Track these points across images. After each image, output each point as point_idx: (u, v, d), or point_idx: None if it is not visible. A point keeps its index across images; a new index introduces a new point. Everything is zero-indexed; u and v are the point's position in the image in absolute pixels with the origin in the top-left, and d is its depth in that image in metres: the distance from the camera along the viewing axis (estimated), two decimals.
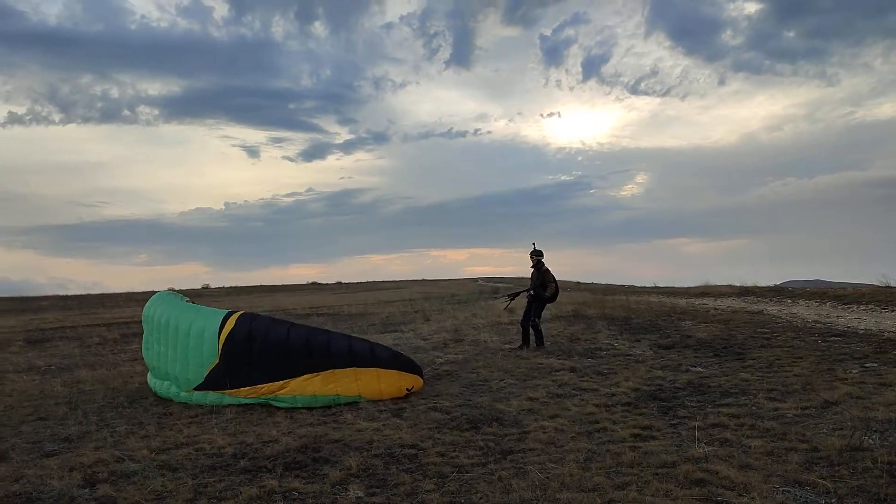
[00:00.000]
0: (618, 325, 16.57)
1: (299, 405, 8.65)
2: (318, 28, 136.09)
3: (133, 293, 74.82)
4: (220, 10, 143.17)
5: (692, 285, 37.91)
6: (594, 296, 33.03)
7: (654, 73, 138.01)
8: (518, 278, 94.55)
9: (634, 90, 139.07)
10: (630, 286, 53.58)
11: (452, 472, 5.49)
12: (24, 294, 69.00)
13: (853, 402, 7.20)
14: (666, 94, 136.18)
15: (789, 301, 22.95)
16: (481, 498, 4.82)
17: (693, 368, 9.98)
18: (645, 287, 48.63)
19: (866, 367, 9.34)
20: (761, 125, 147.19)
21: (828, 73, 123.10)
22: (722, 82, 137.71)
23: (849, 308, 19.22)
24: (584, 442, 6.21)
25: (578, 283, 71.08)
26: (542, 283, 13.08)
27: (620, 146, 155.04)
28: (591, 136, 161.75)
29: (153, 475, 5.81)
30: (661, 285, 47.84)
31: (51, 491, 5.44)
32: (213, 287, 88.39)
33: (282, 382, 8.79)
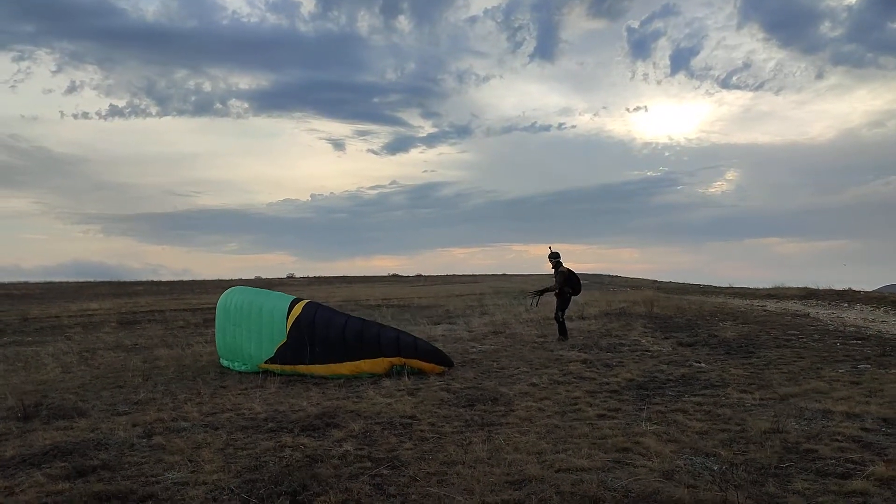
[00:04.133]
0: (656, 323, 17.26)
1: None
2: (403, 22, 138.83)
3: (221, 280, 79.17)
4: (308, 6, 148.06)
5: (770, 286, 37.52)
6: (658, 294, 33.33)
7: (746, 66, 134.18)
8: (600, 274, 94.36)
9: (725, 84, 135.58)
10: (707, 286, 53.02)
11: (433, 437, 6.66)
12: (120, 279, 74.25)
13: (815, 395, 7.94)
14: (759, 88, 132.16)
15: (846, 305, 22.89)
16: (445, 455, 5.97)
17: (696, 364, 10.76)
18: (720, 287, 48.14)
19: (858, 368, 9.92)
20: (862, 121, 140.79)
21: None
22: (820, 76, 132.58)
23: None
24: (556, 419, 7.25)
25: (655, 281, 70.63)
26: (564, 281, 14.08)
27: (710, 142, 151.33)
28: (679, 131, 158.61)
29: (198, 431, 7.23)
30: (739, 286, 47.29)
31: (116, 439, 6.92)
32: (297, 276, 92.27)
33: (337, 364, 10.46)
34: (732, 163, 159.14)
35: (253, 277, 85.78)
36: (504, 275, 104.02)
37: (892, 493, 4.66)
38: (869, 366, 10.11)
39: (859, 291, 27.93)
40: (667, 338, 14.28)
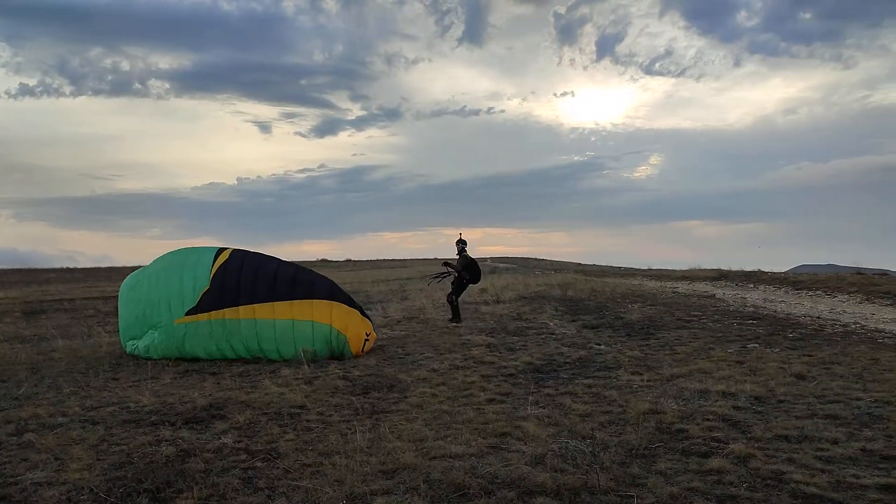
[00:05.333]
0: (567, 306, 17.56)
1: (277, 330, 10.14)
2: (330, 3, 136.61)
3: (141, 266, 76.67)
4: None
5: (689, 268, 38.69)
6: (577, 277, 33.98)
7: (668, 53, 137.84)
8: (529, 258, 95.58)
9: (649, 70, 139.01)
10: (628, 268, 54.41)
11: (318, 427, 6.56)
12: (33, 266, 70.83)
13: (699, 376, 8.20)
14: (681, 74, 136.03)
15: (752, 286, 23.84)
16: (325, 445, 5.88)
17: (596, 346, 10.99)
18: (640, 269, 49.49)
19: (746, 348, 10.32)
20: (777, 108, 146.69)
21: (844, 55, 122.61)
22: (737, 64, 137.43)
23: (798, 293, 20.11)
24: (446, 405, 7.25)
25: (580, 264, 72.06)
26: (465, 267, 14.33)
27: (634, 127, 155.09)
28: (605, 116, 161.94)
29: (74, 427, 6.92)
30: (658, 268, 48.71)
31: None
32: None
33: (268, 304, 10.20)
34: (656, 148, 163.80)
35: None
36: (435, 259, 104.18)
37: (746, 471, 4.82)
38: (757, 345, 10.52)
39: (767, 272, 29.11)
40: (574, 320, 14.54)
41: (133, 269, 63.79)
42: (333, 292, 10.48)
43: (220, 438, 6.20)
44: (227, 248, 11.09)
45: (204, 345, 10.58)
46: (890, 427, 5.78)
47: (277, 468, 5.32)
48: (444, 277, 15.89)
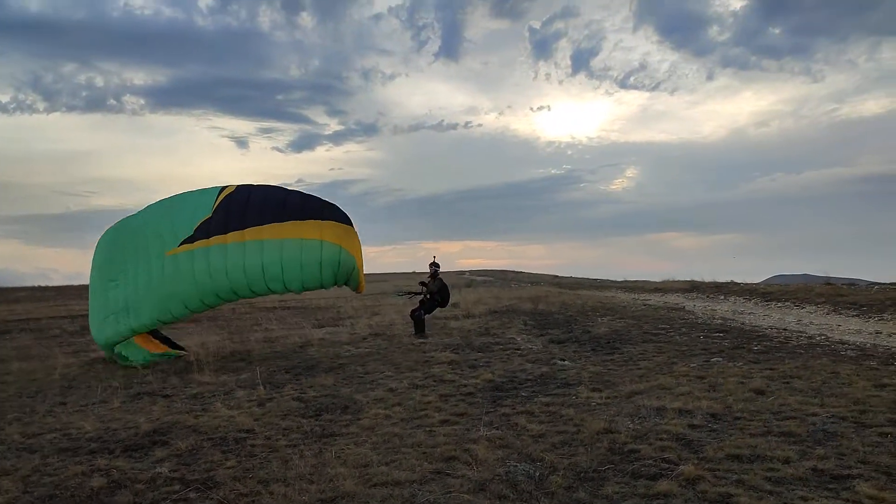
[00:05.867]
0: (537, 320, 17.42)
1: (284, 252, 9.58)
2: (306, 18, 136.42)
3: None
4: None
5: (663, 280, 38.75)
6: (549, 290, 33.91)
7: (642, 67, 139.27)
8: (507, 270, 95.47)
9: (623, 84, 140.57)
10: (604, 280, 54.45)
11: (262, 452, 6.33)
12: (4, 285, 69.60)
13: (658, 392, 8.07)
14: (655, 88, 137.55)
15: (722, 298, 23.88)
16: (266, 472, 5.65)
17: (560, 362, 10.83)
18: (615, 281, 49.53)
19: (709, 362, 10.22)
20: (749, 121, 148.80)
21: (813, 69, 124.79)
22: (710, 77, 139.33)
23: (768, 305, 20.16)
24: (398, 427, 7.05)
25: (556, 276, 72.06)
26: (438, 290, 14.38)
27: (610, 140, 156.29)
28: (581, 130, 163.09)
29: (9, 456, 6.64)
30: (634, 279, 48.87)
31: None
32: None
33: (276, 225, 9.59)
34: (632, 160, 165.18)
35: None
36: (414, 272, 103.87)
37: (694, 494, 4.67)
38: (721, 359, 10.43)
39: (739, 283, 29.20)
40: (542, 335, 14.40)
41: None
42: (347, 218, 10.07)
43: (156, 467, 5.95)
44: (232, 185, 10.60)
45: (195, 284, 9.68)
46: (843, 444, 5.67)
47: (211, 499, 5.09)
48: (416, 296, 15.97)
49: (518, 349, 12.45)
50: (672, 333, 13.80)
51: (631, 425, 6.55)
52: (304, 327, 18.99)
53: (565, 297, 26.24)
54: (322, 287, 9.55)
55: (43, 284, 72.57)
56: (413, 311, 15.25)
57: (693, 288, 29.40)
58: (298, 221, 9.50)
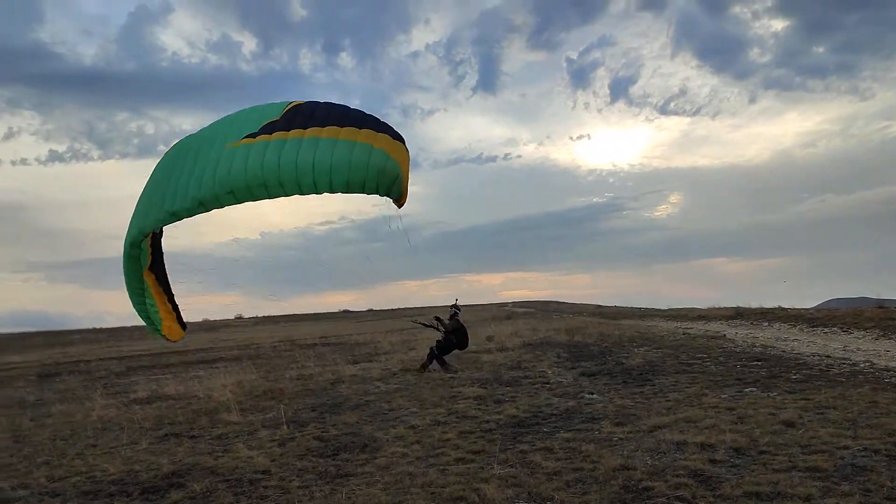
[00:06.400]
0: (571, 352, 17.16)
1: (319, 149, 9.20)
2: (345, 59, 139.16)
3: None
4: (249, 45, 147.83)
5: (709, 307, 37.97)
6: (590, 321, 33.49)
7: (682, 92, 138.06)
8: (550, 301, 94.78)
9: (664, 110, 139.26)
10: (648, 309, 53.60)
11: (274, 494, 6.31)
12: (62, 327, 71.96)
13: (683, 425, 7.82)
14: (696, 113, 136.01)
15: (766, 324, 23.24)
16: None
17: (588, 395, 10.62)
18: (659, 310, 48.67)
19: (743, 392, 9.90)
20: (795, 142, 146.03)
21: (860, 87, 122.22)
22: (752, 100, 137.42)
23: (813, 331, 19.54)
24: (413, 466, 6.97)
25: (599, 306, 71.18)
26: (453, 330, 15.01)
27: (652, 167, 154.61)
28: (622, 157, 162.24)
29: (33, 500, 6.76)
30: (679, 307, 48.09)
31: None
32: (245, 317, 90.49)
33: (335, 127, 9.59)
34: (675, 186, 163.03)
35: (201, 319, 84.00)
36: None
37: None
38: (754, 389, 10.10)
39: (787, 309, 28.42)
40: (574, 367, 14.16)
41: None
42: (400, 136, 10.04)
43: None
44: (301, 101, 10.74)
45: (245, 172, 9.85)
46: (871, 479, 5.40)
47: None
48: (430, 328, 15.91)
49: (547, 383, 12.26)
50: (708, 363, 13.44)
51: (649, 461, 6.35)
52: (339, 364, 19.05)
53: (604, 327, 25.85)
54: (364, 191, 9.59)
55: (98, 326, 74.84)
56: (431, 348, 15.44)
57: (738, 315, 28.68)
58: (355, 129, 9.69)
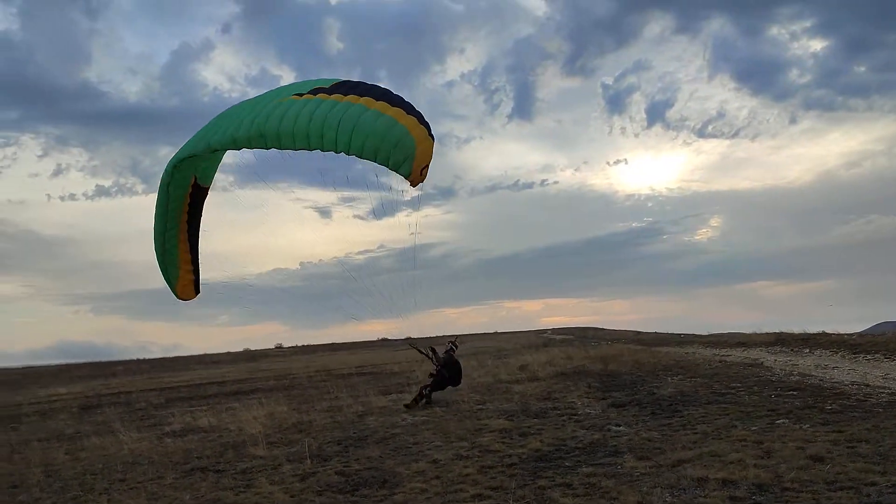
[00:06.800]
0: (603, 382, 16.92)
1: (363, 116, 9.62)
2: None
3: (205, 355, 78.31)
4: (287, 78, 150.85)
5: (752, 332, 37.19)
6: (629, 348, 33.02)
7: (720, 115, 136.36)
8: (588, 328, 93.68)
9: (702, 133, 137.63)
10: (688, 335, 52.60)
11: None
12: (109, 357, 73.57)
13: (708, 459, 7.65)
14: (735, 135, 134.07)
15: (807, 351, 22.64)
16: None
17: (615, 427, 10.45)
18: (699, 335, 47.75)
19: (774, 424, 9.64)
20: (838, 162, 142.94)
21: None
22: (793, 121, 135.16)
23: (855, 358, 18.98)
24: (429, 503, 6.92)
25: (638, 332, 70.07)
26: (445, 364, 14.88)
27: (691, 190, 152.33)
28: (660, 181, 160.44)
29: None
30: (722, 332, 47.19)
31: None
32: (285, 346, 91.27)
33: (370, 99, 9.85)
34: (715, 209, 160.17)
35: (242, 350, 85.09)
36: (495, 332, 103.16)
37: None
38: (786, 420, 9.84)
39: (830, 334, 27.66)
40: (604, 398, 13.95)
41: (201, 357, 65.34)
42: (428, 125, 10.11)
43: None
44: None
45: (280, 120, 9.98)
46: None
47: None
48: (423, 355, 15.59)
49: (575, 414, 12.10)
50: (742, 393, 13.12)
51: (668, 498, 6.23)
52: (370, 395, 19.07)
53: (640, 355, 25.42)
54: (377, 159, 9.74)
55: (142, 357, 76.33)
56: (422, 388, 15.21)
57: (778, 341, 28.01)
58: (387, 104, 10.03)
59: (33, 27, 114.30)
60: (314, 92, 10.27)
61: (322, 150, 9.91)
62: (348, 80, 10.62)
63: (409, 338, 15.60)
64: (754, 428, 9.44)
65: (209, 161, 11.86)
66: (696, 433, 9.44)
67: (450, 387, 15.60)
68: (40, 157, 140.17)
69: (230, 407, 20.01)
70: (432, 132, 10.26)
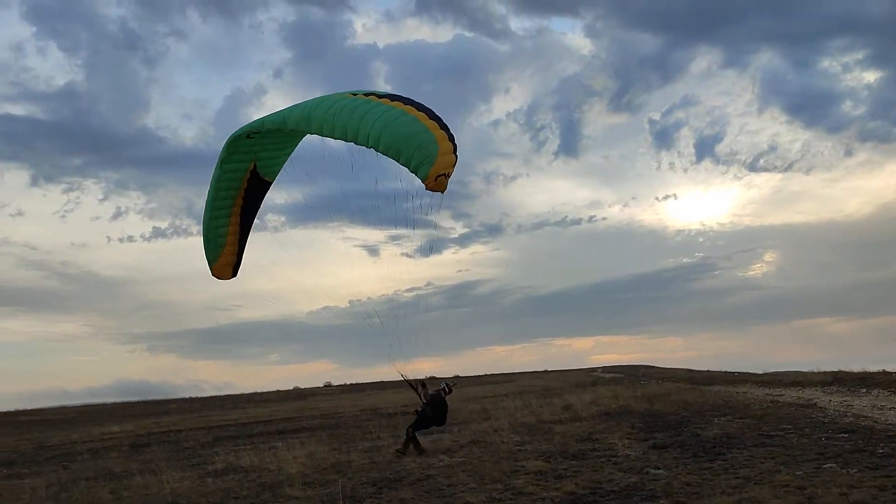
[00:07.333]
0: (647, 422, 16.55)
1: (390, 114, 10.03)
2: None
3: (255, 394, 79.35)
4: None
5: (811, 370, 36.04)
6: (678, 387, 32.28)
7: (772, 149, 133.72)
8: (639, 365, 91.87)
9: (753, 167, 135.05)
10: (742, 373, 51.11)
11: None
12: (163, 396, 75.23)
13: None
14: (788, 169, 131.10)
15: (864, 391, 21.78)
16: None
17: (653, 470, 10.18)
18: (754, 374, 46.37)
19: (821, 468, 9.28)
20: None
21: None
22: (849, 153, 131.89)
23: None
24: None
25: (690, 370, 68.38)
26: (430, 400, 14.42)
27: (743, 225, 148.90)
28: (711, 216, 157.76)
29: None
30: (779, 370, 45.92)
31: None
32: (334, 385, 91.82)
33: (404, 105, 10.26)
34: (769, 244, 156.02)
35: (291, 388, 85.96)
36: (545, 371, 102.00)
37: None
38: (834, 465, 9.45)
39: (890, 373, 26.55)
40: (646, 439, 13.63)
41: (251, 395, 66.59)
42: (454, 143, 10.22)
43: None
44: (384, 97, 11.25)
45: (326, 108, 10.55)
46: None
47: None
48: (413, 389, 14.98)
49: (614, 456, 11.84)
50: (791, 435, 12.66)
51: None
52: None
53: (688, 394, 24.79)
54: (399, 159, 9.90)
55: (194, 396, 77.76)
56: (407, 428, 14.98)
57: (835, 380, 26.98)
58: (420, 112, 10.30)
59: (96, 78, 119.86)
60: (367, 94, 10.70)
61: (356, 143, 10.39)
62: (402, 95, 11.00)
63: (404, 375, 14.96)
64: (799, 472, 9.08)
65: (270, 150, 12.54)
66: (737, 477, 9.13)
67: (434, 427, 15.12)
68: (101, 200, 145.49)
69: (273, 446, 20.14)
70: (457, 152, 10.40)
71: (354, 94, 10.73)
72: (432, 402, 14.48)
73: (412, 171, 9.93)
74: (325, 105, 10.66)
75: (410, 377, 14.48)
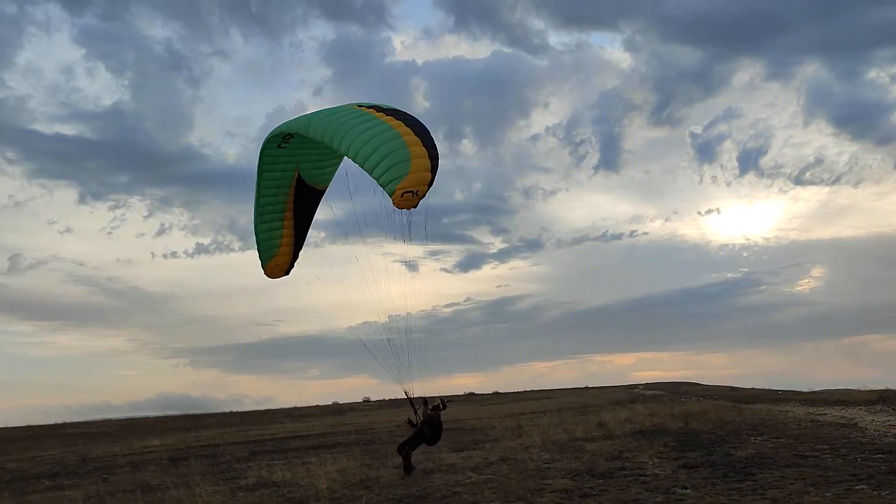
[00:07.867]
0: (680, 441, 16.30)
1: (368, 123, 10.25)
2: (467, 146, 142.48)
3: (294, 408, 80.00)
4: None
5: (862, 388, 35.16)
6: (718, 405, 31.69)
7: (818, 161, 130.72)
8: (681, 382, 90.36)
9: (799, 181, 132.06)
10: (786, 391, 49.99)
11: None
12: (204, 410, 76.30)
13: None
14: (835, 182, 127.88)
15: None
16: None
17: (680, 490, 10.05)
18: (799, 392, 45.35)
19: (852, 489, 9.06)
20: None
21: None
22: None
23: None
24: None
25: (733, 388, 67.00)
26: (427, 419, 14.26)
27: (789, 239, 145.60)
28: (756, 230, 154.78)
29: None
30: (825, 388, 45.01)
31: None
32: (372, 400, 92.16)
33: (394, 119, 10.37)
34: (817, 259, 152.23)
35: (330, 403, 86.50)
36: (585, 387, 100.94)
37: None
38: (866, 486, 9.22)
39: None
40: (678, 458, 13.43)
41: (291, 410, 67.18)
42: (437, 157, 10.30)
43: None
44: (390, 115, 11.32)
45: (323, 116, 10.95)
46: None
47: None
48: (412, 404, 14.85)
49: (643, 475, 11.69)
50: (827, 455, 12.37)
51: None
52: (442, 451, 18.99)
53: (725, 413, 24.33)
54: (372, 172, 9.94)
55: (235, 410, 78.70)
56: (399, 447, 14.97)
57: (880, 399, 26.30)
58: (411, 131, 10.38)
59: (142, 97, 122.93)
60: (370, 108, 10.96)
61: (339, 152, 10.72)
62: (402, 110, 11.18)
63: (405, 392, 14.85)
64: (828, 494, 8.89)
65: (311, 161, 12.97)
66: (764, 498, 8.98)
67: (423, 445, 15.00)
68: (146, 217, 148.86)
69: (307, 461, 20.30)
70: (435, 172, 10.31)
71: (360, 106, 10.97)
72: (429, 422, 14.46)
73: (381, 186, 9.98)
74: (327, 114, 11.01)
75: (416, 394, 14.50)
